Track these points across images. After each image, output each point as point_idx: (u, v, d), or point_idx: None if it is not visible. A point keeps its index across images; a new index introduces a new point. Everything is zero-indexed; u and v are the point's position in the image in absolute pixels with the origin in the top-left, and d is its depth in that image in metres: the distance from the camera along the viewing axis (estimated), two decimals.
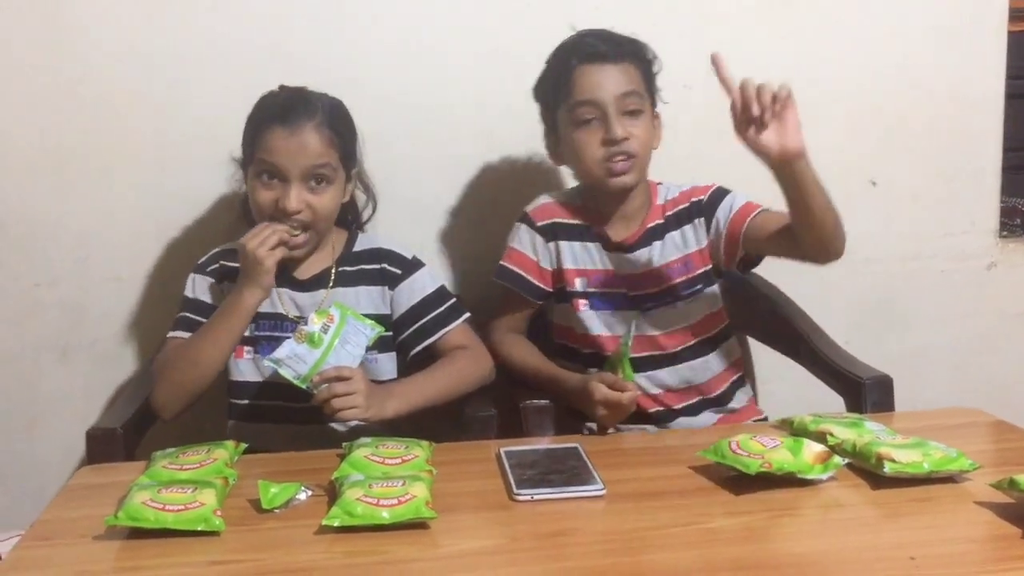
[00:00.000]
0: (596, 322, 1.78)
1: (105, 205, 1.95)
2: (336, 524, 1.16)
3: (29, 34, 1.88)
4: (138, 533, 1.16)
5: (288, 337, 1.53)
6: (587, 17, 1.84)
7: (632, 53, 1.72)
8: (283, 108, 1.61)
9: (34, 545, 1.18)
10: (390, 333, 1.69)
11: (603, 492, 1.27)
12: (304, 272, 1.70)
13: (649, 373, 1.77)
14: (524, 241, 1.80)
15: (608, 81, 1.68)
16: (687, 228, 1.79)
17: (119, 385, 1.98)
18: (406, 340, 1.71)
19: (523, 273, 1.79)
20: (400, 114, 1.97)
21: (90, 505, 1.27)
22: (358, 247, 1.75)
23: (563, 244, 1.79)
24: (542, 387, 1.70)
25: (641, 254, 1.77)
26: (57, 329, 1.98)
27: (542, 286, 1.80)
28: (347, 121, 1.68)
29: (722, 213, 1.77)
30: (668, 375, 1.79)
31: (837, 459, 1.30)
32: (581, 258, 1.79)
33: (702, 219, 1.79)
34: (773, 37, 1.82)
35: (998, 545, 1.15)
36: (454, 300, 1.75)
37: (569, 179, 1.95)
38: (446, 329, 1.71)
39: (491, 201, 2.03)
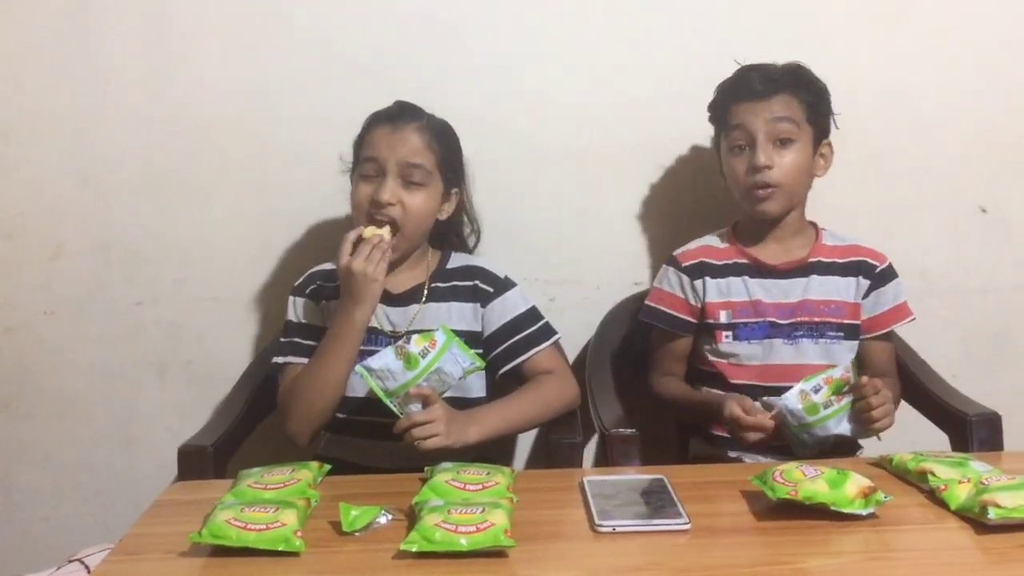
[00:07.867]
0: (739, 351, 1.78)
1: (204, 227, 2.01)
2: (414, 549, 1.15)
3: (135, 64, 1.95)
4: (221, 551, 1.17)
5: (381, 349, 1.54)
6: (683, 39, 1.82)
7: (791, 84, 1.72)
8: (391, 111, 1.70)
9: (121, 560, 1.20)
10: (484, 366, 1.67)
11: (688, 526, 1.23)
12: (397, 287, 1.71)
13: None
14: (672, 282, 1.83)
15: (759, 111, 1.71)
16: (851, 279, 1.78)
17: (214, 403, 2.02)
18: (496, 359, 1.71)
19: (669, 310, 1.83)
20: (505, 142, 1.98)
21: (178, 521, 1.28)
22: (451, 264, 1.77)
23: (709, 281, 1.80)
24: (695, 414, 1.80)
25: (797, 282, 1.77)
26: (156, 347, 2.04)
27: (690, 320, 1.82)
28: (450, 136, 1.72)
29: (888, 296, 1.79)
30: None
31: (880, 495, 1.25)
32: (726, 292, 1.79)
33: (868, 282, 1.79)
34: (886, 58, 1.75)
35: None
36: (544, 322, 1.74)
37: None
38: (536, 350, 1.70)
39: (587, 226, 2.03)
